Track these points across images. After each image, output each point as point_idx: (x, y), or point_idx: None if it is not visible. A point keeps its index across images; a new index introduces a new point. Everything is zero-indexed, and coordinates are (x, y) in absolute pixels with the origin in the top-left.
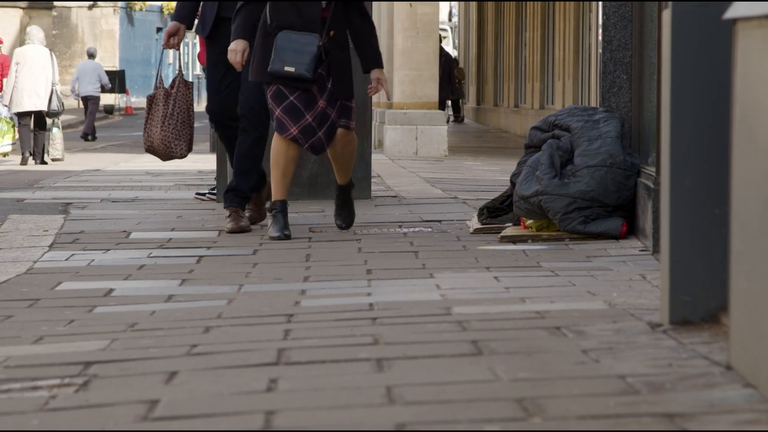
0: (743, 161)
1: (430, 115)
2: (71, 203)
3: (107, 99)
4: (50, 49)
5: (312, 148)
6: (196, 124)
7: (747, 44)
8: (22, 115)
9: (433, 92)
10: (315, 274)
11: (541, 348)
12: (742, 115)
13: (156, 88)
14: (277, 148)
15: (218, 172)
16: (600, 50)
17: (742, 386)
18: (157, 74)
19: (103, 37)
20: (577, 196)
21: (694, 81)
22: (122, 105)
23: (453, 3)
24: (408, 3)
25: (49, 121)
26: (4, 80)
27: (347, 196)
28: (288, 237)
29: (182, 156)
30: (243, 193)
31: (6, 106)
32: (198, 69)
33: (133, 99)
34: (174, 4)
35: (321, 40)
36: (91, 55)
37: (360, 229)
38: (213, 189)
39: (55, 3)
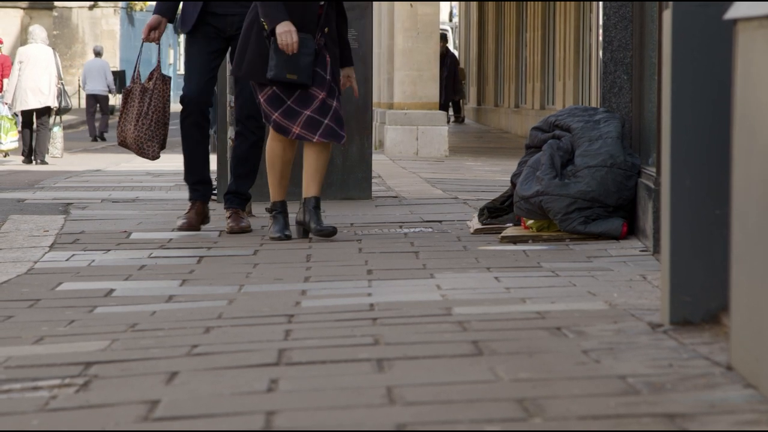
0: (744, 161)
1: (431, 116)
2: (72, 203)
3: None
4: (53, 48)
5: (324, 135)
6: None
7: (748, 44)
8: (25, 114)
9: (433, 92)
10: (315, 275)
11: (541, 348)
12: (742, 115)
13: (133, 81)
14: (273, 150)
15: (219, 173)
16: (600, 50)
17: (742, 387)
18: (135, 68)
19: (104, 37)
20: (577, 196)
21: (695, 81)
22: None
23: (454, 3)
24: (409, 3)
25: (50, 119)
26: (5, 80)
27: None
28: (288, 237)
29: (154, 157)
30: (243, 194)
31: (7, 104)
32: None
33: None
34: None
35: (316, 39)
36: (98, 54)
37: (360, 229)
38: (213, 189)
39: (56, 3)
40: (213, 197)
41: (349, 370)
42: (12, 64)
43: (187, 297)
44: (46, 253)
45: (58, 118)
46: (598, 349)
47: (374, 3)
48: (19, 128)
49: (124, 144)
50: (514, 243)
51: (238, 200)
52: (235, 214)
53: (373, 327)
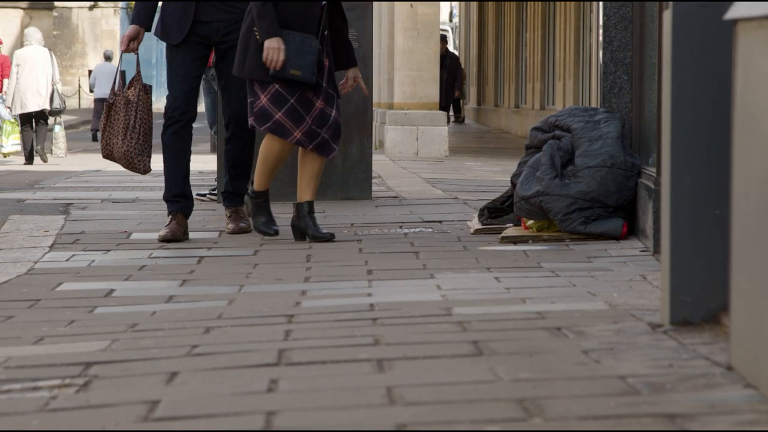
0: (744, 162)
1: (431, 116)
2: (72, 204)
3: None
4: (49, 49)
5: (317, 148)
6: (195, 125)
7: (748, 45)
8: (25, 116)
9: (433, 93)
10: (316, 275)
11: (541, 348)
12: (742, 115)
13: (114, 94)
14: (271, 147)
15: (219, 173)
16: (600, 51)
17: (742, 387)
18: (115, 79)
19: (104, 37)
20: (577, 196)
21: (695, 81)
22: None
23: (454, 3)
24: (409, 3)
25: (51, 119)
26: (5, 81)
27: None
28: (277, 233)
29: (146, 171)
30: (241, 193)
31: (8, 108)
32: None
33: None
34: None
35: (319, 41)
36: (108, 58)
37: (361, 229)
38: (213, 189)
39: (56, 3)
40: (213, 197)
41: (349, 370)
42: (11, 64)
43: (187, 297)
44: (46, 253)
45: (58, 118)
46: (598, 350)
47: (374, 3)
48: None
49: (110, 157)
50: (515, 243)
51: (237, 198)
52: (235, 213)
53: (373, 327)
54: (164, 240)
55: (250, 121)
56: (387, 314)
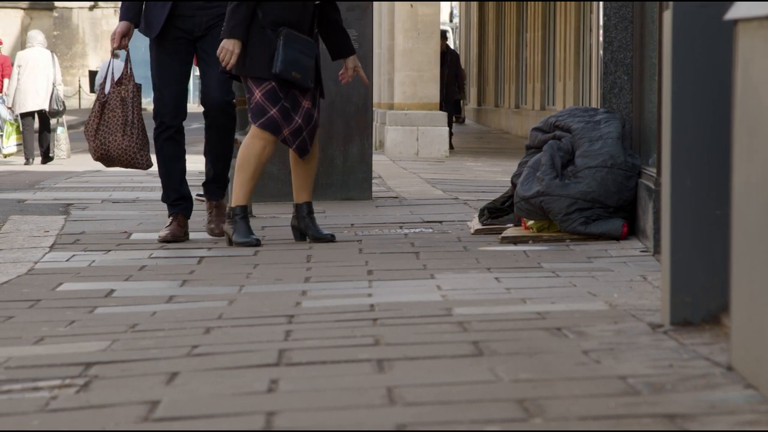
0: (744, 162)
1: (431, 116)
2: (72, 204)
3: None
4: (52, 51)
5: (299, 149)
6: (194, 126)
7: (748, 45)
8: (25, 116)
9: (434, 93)
10: (316, 275)
11: (541, 349)
12: (743, 115)
13: (104, 90)
14: (252, 149)
15: None
16: (601, 51)
17: (743, 387)
18: (106, 77)
19: (104, 37)
20: (578, 196)
21: (695, 82)
22: None
23: (454, 3)
24: (409, 3)
25: (53, 120)
26: (5, 81)
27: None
28: (258, 243)
29: (148, 166)
30: (223, 180)
31: (9, 108)
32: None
33: None
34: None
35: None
36: (116, 57)
37: (361, 230)
38: None
39: (56, 4)
40: None
41: (350, 370)
42: (12, 64)
43: (188, 297)
44: (46, 253)
45: (61, 119)
46: (598, 350)
47: (374, 3)
48: (21, 131)
49: (104, 157)
50: (515, 243)
51: (220, 191)
52: (217, 209)
53: (373, 327)
54: (164, 240)
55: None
56: (387, 314)
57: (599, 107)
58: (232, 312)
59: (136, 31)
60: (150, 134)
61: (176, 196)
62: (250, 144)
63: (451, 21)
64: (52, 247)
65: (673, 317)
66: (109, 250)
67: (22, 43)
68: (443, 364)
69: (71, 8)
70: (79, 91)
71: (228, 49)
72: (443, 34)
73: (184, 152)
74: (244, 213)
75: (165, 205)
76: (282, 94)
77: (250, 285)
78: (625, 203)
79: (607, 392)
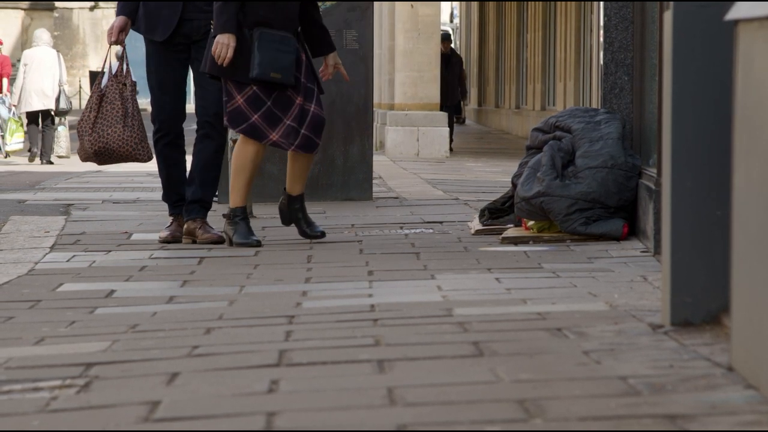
0: (744, 162)
1: (432, 117)
2: (72, 204)
3: None
4: (57, 51)
5: (300, 147)
6: (191, 126)
7: (748, 45)
8: (30, 115)
9: (434, 93)
10: (316, 276)
11: (542, 349)
12: (743, 116)
13: (100, 84)
14: (245, 154)
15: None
16: (601, 51)
17: (743, 387)
18: (103, 70)
19: (104, 38)
20: (578, 197)
21: (696, 82)
22: None
23: (454, 4)
24: (409, 4)
25: (56, 119)
26: (3, 80)
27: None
28: (259, 244)
29: (149, 158)
30: (208, 203)
31: (14, 106)
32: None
33: None
34: None
35: (297, 39)
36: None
37: (361, 230)
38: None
39: (57, 4)
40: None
41: (350, 371)
42: (12, 64)
43: (188, 298)
44: (46, 254)
45: (63, 118)
46: (598, 350)
47: (375, 3)
48: (25, 129)
49: (102, 151)
50: (515, 244)
51: (204, 211)
52: (203, 225)
53: (373, 328)
54: (165, 241)
55: (225, 120)
56: (388, 315)
57: (600, 108)
58: (233, 312)
59: (132, 32)
60: (149, 136)
61: (177, 198)
62: (243, 150)
63: (451, 21)
64: (52, 248)
65: (674, 318)
66: (110, 251)
67: (22, 44)
68: (444, 365)
69: (72, 8)
70: (80, 91)
71: (224, 43)
72: (447, 36)
73: (184, 154)
74: (244, 214)
75: (165, 206)
76: (266, 98)
77: (250, 285)
78: (626, 204)
79: (608, 393)
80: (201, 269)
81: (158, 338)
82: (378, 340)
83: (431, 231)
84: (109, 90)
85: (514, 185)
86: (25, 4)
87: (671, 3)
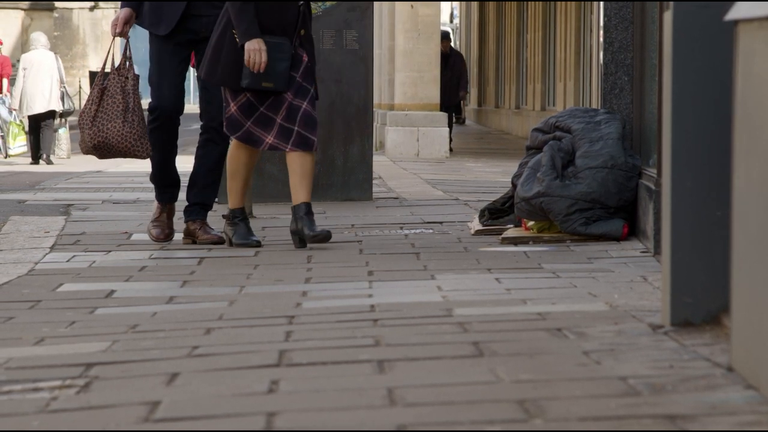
0: (745, 162)
1: (432, 117)
2: (72, 204)
3: None
4: (55, 52)
5: (297, 145)
6: (192, 126)
7: (748, 45)
8: (32, 119)
9: (434, 94)
10: (316, 276)
11: (542, 349)
12: (743, 116)
13: (104, 78)
14: (239, 159)
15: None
16: (601, 52)
17: (743, 388)
18: (105, 64)
19: (105, 38)
20: (578, 197)
21: (696, 82)
22: None
23: (454, 4)
24: (409, 4)
25: (57, 120)
26: (3, 80)
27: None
28: (258, 244)
29: (148, 154)
30: (209, 206)
31: (15, 110)
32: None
33: None
34: None
35: (293, 42)
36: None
37: (361, 230)
38: None
39: (57, 4)
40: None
41: (350, 371)
42: (12, 65)
43: (188, 298)
44: (46, 254)
45: (63, 119)
46: (598, 351)
47: (375, 4)
48: (26, 130)
49: (101, 145)
50: (515, 244)
51: (204, 212)
52: (203, 226)
53: (373, 328)
54: (158, 240)
55: (224, 126)
56: (388, 315)
57: (600, 108)
58: (233, 313)
59: (135, 32)
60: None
61: (170, 181)
62: (236, 154)
63: (451, 21)
64: (52, 248)
65: (674, 318)
66: (110, 251)
67: (22, 44)
68: (444, 365)
69: (71, 9)
70: (80, 91)
71: (255, 49)
72: (447, 35)
73: (177, 138)
74: (243, 215)
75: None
76: (260, 104)
77: (250, 286)
78: (626, 204)
79: (608, 393)
80: (201, 269)
81: (158, 338)
82: (378, 340)
83: (431, 231)
84: (110, 83)
85: (514, 185)
86: (25, 5)
87: (671, 3)
